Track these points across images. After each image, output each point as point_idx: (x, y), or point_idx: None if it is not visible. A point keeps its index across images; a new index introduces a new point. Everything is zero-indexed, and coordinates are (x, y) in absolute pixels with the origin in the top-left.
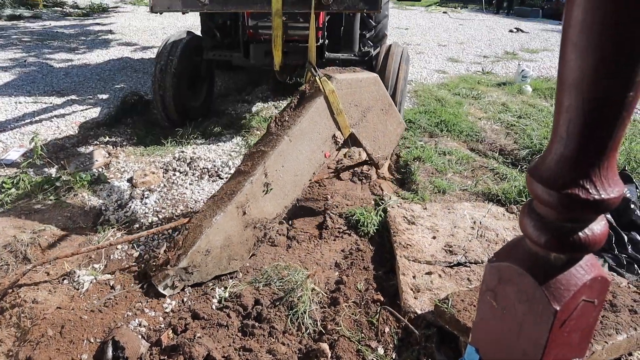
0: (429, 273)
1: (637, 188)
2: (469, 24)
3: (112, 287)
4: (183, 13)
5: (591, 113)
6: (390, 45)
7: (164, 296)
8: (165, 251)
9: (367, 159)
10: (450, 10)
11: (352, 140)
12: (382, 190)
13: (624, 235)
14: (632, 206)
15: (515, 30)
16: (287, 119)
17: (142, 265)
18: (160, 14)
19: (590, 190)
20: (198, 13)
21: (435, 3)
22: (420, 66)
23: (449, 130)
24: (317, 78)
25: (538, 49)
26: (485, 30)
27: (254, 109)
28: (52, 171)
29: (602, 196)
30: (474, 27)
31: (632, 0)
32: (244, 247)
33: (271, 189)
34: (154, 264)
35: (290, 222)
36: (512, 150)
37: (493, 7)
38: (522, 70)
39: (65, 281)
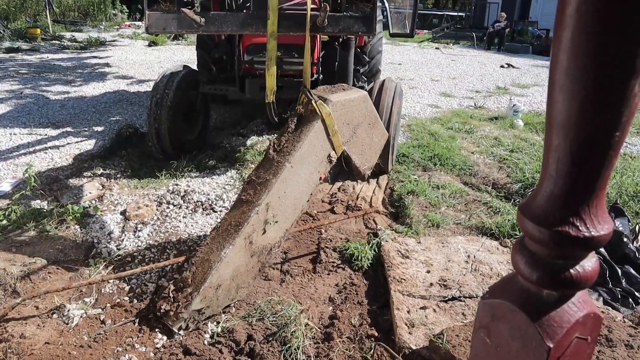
0: (424, 308)
1: (629, 221)
2: (461, 60)
3: (103, 322)
4: (178, 36)
5: (579, 153)
6: (384, 81)
7: (155, 330)
8: (174, 290)
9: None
10: (442, 46)
11: (342, 156)
12: (376, 224)
13: (617, 268)
14: (625, 239)
15: (506, 65)
16: (285, 144)
17: (149, 307)
18: (156, 35)
19: (581, 228)
20: (194, 47)
21: (428, 39)
22: (413, 101)
23: (442, 164)
24: (313, 102)
25: (529, 84)
26: (477, 65)
27: (248, 142)
28: (45, 203)
29: (592, 233)
30: (466, 63)
31: (614, 47)
32: (251, 275)
33: (275, 219)
34: (164, 308)
35: (284, 256)
36: (505, 184)
37: (484, 43)
38: (514, 105)
39: (55, 315)
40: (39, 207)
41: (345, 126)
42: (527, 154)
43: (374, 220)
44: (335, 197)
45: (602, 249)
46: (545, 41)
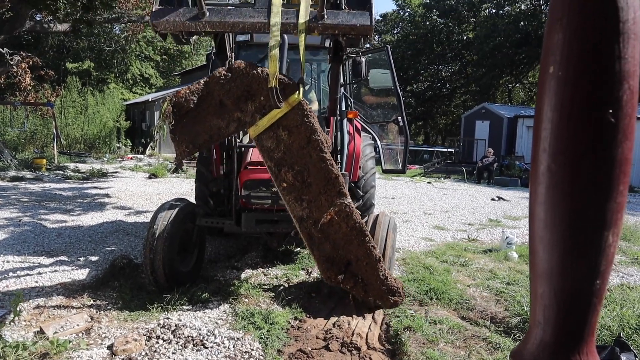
0: None
1: (635, 356)
2: (453, 193)
3: None
4: (178, 169)
5: (563, 301)
6: (377, 215)
7: None
8: None
9: None
10: (434, 181)
11: None
12: None
13: None
14: None
15: (497, 198)
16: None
17: None
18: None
19: None
20: (193, 180)
21: (420, 174)
22: (407, 234)
23: (438, 298)
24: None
25: (520, 217)
26: (468, 199)
27: (243, 275)
28: (30, 335)
29: None
30: (458, 196)
31: (584, 201)
32: None
33: None
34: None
35: None
36: (503, 318)
37: (474, 177)
38: (507, 237)
39: None
40: (23, 339)
41: None
42: (524, 286)
43: (370, 357)
44: (330, 333)
45: None
46: None
